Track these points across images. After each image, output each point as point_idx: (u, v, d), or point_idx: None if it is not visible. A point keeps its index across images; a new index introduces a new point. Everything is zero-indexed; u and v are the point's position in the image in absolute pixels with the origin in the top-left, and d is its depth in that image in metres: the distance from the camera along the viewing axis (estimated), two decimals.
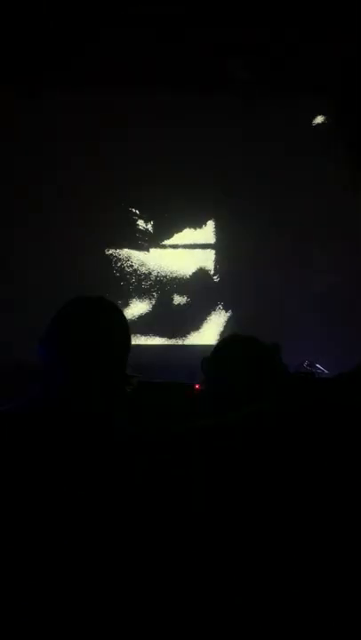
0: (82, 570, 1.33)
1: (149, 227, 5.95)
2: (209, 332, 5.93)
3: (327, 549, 0.38)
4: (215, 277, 6.05)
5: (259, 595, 0.39)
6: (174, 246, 6.00)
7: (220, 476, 0.41)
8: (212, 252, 6.04)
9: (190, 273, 6.03)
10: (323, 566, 0.38)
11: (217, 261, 6.04)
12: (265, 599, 0.39)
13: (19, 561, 1.35)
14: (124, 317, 1.60)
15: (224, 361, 1.69)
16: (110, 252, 5.89)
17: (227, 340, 1.81)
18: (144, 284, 5.95)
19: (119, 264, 5.93)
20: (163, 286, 5.96)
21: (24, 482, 1.39)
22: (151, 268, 5.98)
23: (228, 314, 6.03)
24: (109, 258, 5.89)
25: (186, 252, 6.01)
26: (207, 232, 5.98)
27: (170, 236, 5.99)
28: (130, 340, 1.59)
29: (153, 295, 5.92)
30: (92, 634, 1.28)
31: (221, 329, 5.92)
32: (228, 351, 1.72)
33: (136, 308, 5.51)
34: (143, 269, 5.96)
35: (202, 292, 6.02)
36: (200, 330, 5.94)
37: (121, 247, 5.92)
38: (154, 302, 5.89)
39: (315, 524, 0.39)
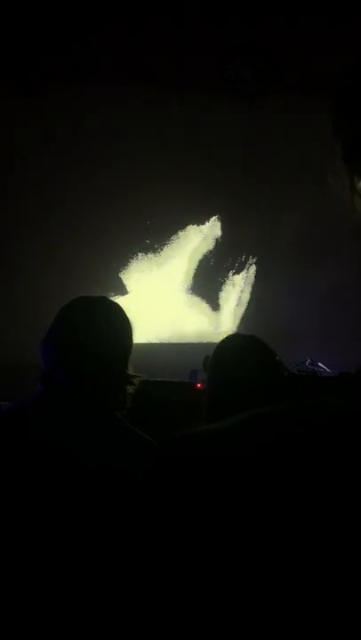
0: (80, 568, 1.34)
1: (150, 225, 5.96)
2: (211, 331, 5.93)
3: (330, 553, 0.39)
4: (216, 276, 6.06)
5: (260, 596, 0.39)
6: (176, 245, 6.00)
7: (218, 480, 0.42)
8: (213, 251, 6.04)
9: (191, 272, 6.03)
10: (328, 569, 0.38)
11: (218, 260, 6.05)
12: (267, 601, 0.39)
13: (17, 556, 1.36)
14: (127, 317, 1.60)
15: (225, 360, 1.69)
16: (112, 250, 5.89)
17: (228, 338, 1.81)
18: (146, 283, 5.95)
19: (121, 263, 5.94)
20: (164, 286, 5.97)
21: (25, 478, 1.39)
22: (153, 266, 5.98)
23: (230, 313, 6.04)
24: (111, 257, 5.89)
25: (187, 251, 6.01)
26: (208, 231, 5.98)
27: (171, 234, 6.00)
28: (132, 340, 1.59)
29: (154, 294, 5.92)
30: (91, 634, 1.29)
31: (223, 328, 5.92)
32: (230, 350, 1.72)
33: (138, 307, 5.51)
34: (145, 268, 5.97)
35: (203, 290, 6.03)
36: (202, 329, 5.95)
37: (122, 246, 5.92)
38: (156, 301, 5.89)
39: (318, 531, 0.39)
